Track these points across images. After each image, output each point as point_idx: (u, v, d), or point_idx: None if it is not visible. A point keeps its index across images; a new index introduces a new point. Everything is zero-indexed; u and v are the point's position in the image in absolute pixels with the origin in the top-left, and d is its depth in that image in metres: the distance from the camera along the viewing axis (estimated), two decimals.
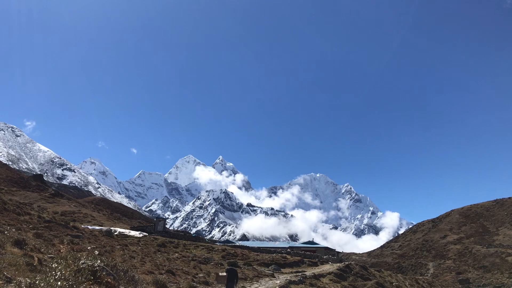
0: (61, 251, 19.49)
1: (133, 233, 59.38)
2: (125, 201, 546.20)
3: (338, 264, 60.23)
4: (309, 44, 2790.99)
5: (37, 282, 7.41)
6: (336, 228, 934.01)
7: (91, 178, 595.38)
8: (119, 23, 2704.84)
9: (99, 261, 9.03)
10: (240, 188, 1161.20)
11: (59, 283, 7.32)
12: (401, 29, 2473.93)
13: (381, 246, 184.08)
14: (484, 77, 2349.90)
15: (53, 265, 9.14)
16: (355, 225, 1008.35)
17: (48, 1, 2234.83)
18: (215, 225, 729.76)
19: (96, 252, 22.21)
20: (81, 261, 8.73)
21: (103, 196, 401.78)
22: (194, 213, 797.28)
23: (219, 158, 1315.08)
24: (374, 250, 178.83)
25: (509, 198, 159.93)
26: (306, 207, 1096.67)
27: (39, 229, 30.90)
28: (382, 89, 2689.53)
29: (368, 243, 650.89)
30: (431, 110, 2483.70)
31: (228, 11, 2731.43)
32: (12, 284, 7.94)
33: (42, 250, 19.17)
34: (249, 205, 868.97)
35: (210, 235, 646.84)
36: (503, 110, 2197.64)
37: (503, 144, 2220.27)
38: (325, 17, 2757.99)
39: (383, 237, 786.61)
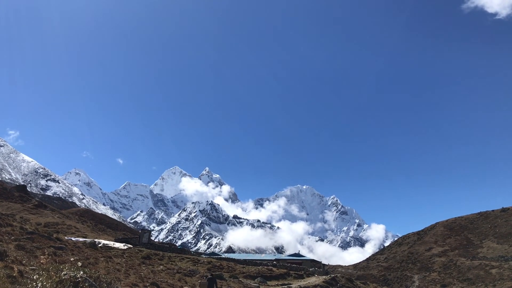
0: (43, 262, 19.14)
1: (118, 245, 58.64)
2: (110, 213, 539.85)
3: (324, 277, 60.16)
4: (299, 53, 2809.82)
5: None
6: (322, 240, 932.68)
7: (76, 189, 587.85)
8: (105, 32, 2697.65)
9: (81, 272, 8.88)
10: (226, 199, 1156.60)
11: None
12: (393, 32, 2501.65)
13: (367, 258, 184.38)
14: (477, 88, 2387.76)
15: (34, 277, 8.96)
16: (341, 237, 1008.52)
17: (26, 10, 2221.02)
18: (201, 237, 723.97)
19: (79, 264, 21.86)
20: (63, 272, 8.57)
21: (87, 207, 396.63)
22: (179, 225, 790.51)
23: (205, 170, 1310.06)
24: (360, 262, 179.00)
25: (493, 211, 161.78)
26: (292, 219, 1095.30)
27: (21, 241, 30.33)
28: (371, 101, 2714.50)
29: (354, 256, 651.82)
30: (416, 126, 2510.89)
31: (214, 19, 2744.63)
32: None
33: (24, 262, 18.80)
34: (235, 217, 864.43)
35: (196, 247, 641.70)
36: (491, 126, 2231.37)
37: (488, 158, 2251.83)
38: (312, 19, 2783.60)
39: (369, 250, 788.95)
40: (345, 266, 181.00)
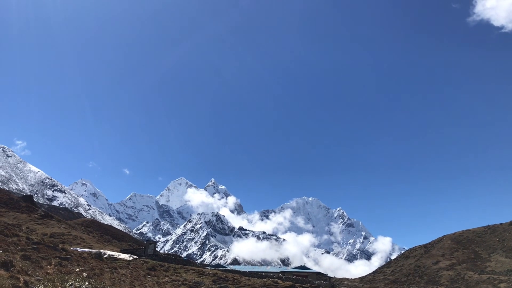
0: (49, 273, 19.17)
1: (123, 256, 58.62)
2: (115, 223, 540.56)
3: None
4: (302, 58, 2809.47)
5: None
6: (328, 252, 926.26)
7: (82, 200, 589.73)
8: (111, 40, 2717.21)
9: (86, 283, 8.92)
10: (232, 211, 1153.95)
11: None
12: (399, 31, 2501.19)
13: (373, 271, 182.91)
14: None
15: (39, 287, 9.01)
16: (347, 249, 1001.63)
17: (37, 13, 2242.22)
18: (206, 248, 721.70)
19: (85, 275, 21.87)
20: (68, 283, 8.62)
21: (93, 218, 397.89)
22: (185, 236, 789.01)
23: (211, 181, 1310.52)
24: (366, 275, 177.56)
25: (501, 224, 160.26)
26: (298, 231, 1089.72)
27: (27, 251, 30.44)
28: (376, 109, 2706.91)
29: (360, 268, 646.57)
30: (421, 137, 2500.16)
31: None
32: None
33: (29, 272, 18.83)
34: (240, 228, 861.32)
35: (201, 259, 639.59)
36: (498, 137, 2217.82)
37: (496, 170, 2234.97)
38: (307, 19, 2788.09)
39: (375, 262, 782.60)
40: (351, 279, 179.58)
